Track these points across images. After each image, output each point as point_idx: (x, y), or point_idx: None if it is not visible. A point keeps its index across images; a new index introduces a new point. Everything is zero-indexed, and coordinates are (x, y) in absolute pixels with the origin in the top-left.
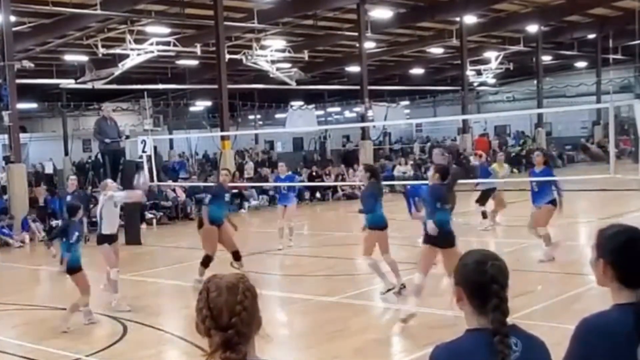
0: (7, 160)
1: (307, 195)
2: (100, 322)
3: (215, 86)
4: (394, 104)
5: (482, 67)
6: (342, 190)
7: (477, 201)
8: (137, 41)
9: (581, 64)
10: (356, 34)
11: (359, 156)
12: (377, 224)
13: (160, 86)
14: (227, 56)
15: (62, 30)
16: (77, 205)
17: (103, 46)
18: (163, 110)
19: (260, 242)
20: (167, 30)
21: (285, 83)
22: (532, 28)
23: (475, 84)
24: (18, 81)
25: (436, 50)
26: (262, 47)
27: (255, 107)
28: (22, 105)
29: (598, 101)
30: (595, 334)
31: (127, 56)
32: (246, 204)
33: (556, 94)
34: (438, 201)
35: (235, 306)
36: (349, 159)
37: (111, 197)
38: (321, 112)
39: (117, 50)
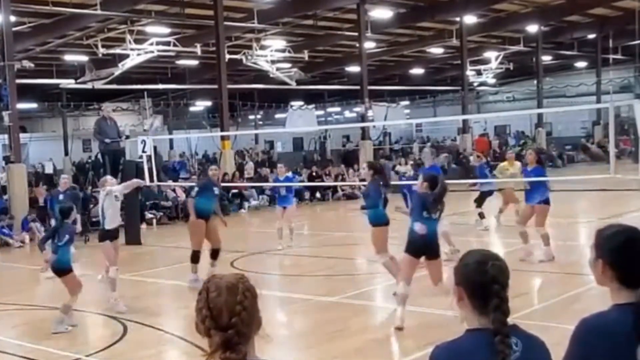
0: (7, 160)
1: (307, 195)
2: (100, 322)
3: (215, 86)
4: (394, 104)
5: (482, 67)
6: (342, 190)
7: (476, 202)
8: (137, 41)
9: (581, 64)
10: (356, 34)
11: (359, 156)
12: (379, 221)
13: (160, 86)
14: (227, 56)
15: (62, 30)
16: (69, 207)
17: (103, 46)
18: (163, 110)
19: (260, 242)
20: (167, 30)
21: (285, 83)
22: (532, 28)
23: (475, 84)
24: (18, 81)
25: (436, 50)
26: (262, 47)
27: (255, 107)
28: (22, 105)
29: (598, 101)
30: (594, 334)
31: (127, 56)
32: (246, 204)
33: (556, 94)
34: (424, 210)
35: (235, 306)
36: (349, 159)
37: (109, 192)
38: (321, 112)
39: (117, 50)
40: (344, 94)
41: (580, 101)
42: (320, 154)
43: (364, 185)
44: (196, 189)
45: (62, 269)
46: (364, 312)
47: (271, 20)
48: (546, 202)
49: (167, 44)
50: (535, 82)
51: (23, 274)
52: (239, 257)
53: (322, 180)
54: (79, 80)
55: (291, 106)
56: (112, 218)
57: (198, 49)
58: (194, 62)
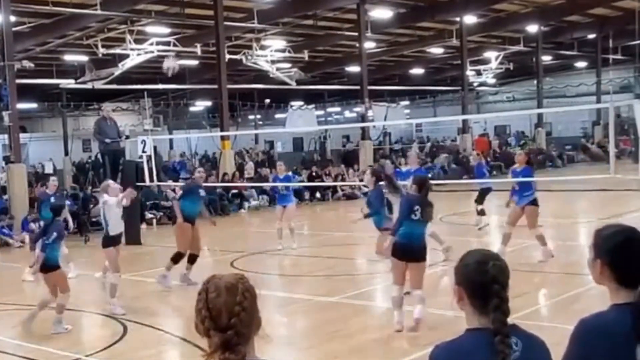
0: (7, 160)
1: (307, 195)
2: (100, 322)
3: (215, 86)
4: (394, 104)
5: (482, 67)
6: (342, 190)
7: (475, 201)
8: (137, 41)
9: (581, 64)
10: (356, 34)
11: (359, 156)
12: (385, 225)
13: (160, 86)
14: (227, 56)
15: (62, 30)
16: (61, 204)
17: (103, 46)
18: (163, 110)
19: (260, 242)
20: (167, 30)
21: (285, 83)
22: (532, 28)
23: (475, 84)
24: (18, 81)
25: (436, 50)
26: (262, 47)
27: (255, 107)
28: (22, 105)
29: (598, 101)
30: (594, 334)
31: (127, 56)
32: (246, 204)
33: (556, 94)
34: (412, 213)
35: (234, 307)
36: (349, 159)
37: (105, 202)
38: (321, 112)
39: (117, 50)
40: (344, 94)
41: (580, 101)
42: (320, 154)
43: (365, 186)
44: (181, 192)
45: (49, 267)
46: (364, 312)
47: (271, 20)
48: (534, 203)
49: (167, 44)
50: (535, 82)
51: (23, 274)
52: (239, 257)
53: (322, 181)
54: (79, 80)
55: (291, 106)
56: (115, 225)
57: (198, 49)
58: (194, 62)
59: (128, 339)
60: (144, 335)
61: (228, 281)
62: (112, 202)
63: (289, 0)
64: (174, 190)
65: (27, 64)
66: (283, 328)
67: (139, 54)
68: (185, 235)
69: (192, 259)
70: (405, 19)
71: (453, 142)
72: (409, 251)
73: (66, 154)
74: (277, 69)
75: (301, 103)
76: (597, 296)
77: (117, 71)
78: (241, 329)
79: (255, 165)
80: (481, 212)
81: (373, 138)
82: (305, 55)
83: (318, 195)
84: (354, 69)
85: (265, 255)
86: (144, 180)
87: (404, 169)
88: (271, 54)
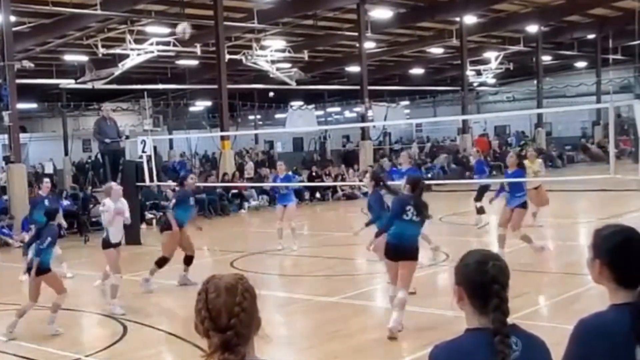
0: (7, 160)
1: (307, 195)
2: (100, 322)
3: (215, 86)
4: (394, 104)
5: (482, 67)
6: (342, 190)
7: (475, 199)
8: (137, 41)
9: (581, 64)
10: (356, 34)
11: (359, 156)
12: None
13: (160, 86)
14: (227, 56)
15: (62, 30)
16: (55, 208)
17: (103, 46)
18: (163, 110)
19: (260, 242)
20: (167, 30)
21: (285, 83)
22: (532, 28)
23: (475, 84)
24: (18, 81)
25: (436, 50)
26: (262, 47)
27: (255, 107)
28: (22, 105)
29: (598, 101)
30: (594, 334)
31: (127, 56)
32: (246, 204)
33: (556, 94)
34: (404, 213)
35: (234, 307)
36: (349, 159)
37: (104, 205)
38: (321, 112)
39: (117, 50)
40: (344, 94)
41: (580, 101)
42: (320, 154)
43: (365, 186)
44: (174, 200)
45: (43, 270)
46: (364, 312)
47: (271, 20)
48: (523, 205)
49: (167, 44)
50: (535, 82)
51: (20, 275)
52: (239, 257)
53: (322, 181)
54: (79, 80)
55: (291, 106)
56: (115, 233)
57: (198, 49)
58: (194, 62)
59: (128, 339)
60: (144, 335)
61: (228, 281)
62: (112, 207)
63: (289, 0)
64: (173, 190)
65: (27, 64)
66: (283, 328)
67: (139, 54)
68: (173, 242)
69: (189, 260)
70: (405, 19)
71: (452, 142)
72: (400, 251)
73: (66, 154)
74: (277, 69)
75: (301, 103)
76: (597, 296)
77: (117, 71)
78: (241, 330)
79: (255, 165)
80: (480, 210)
81: (373, 138)
82: (305, 55)
83: (318, 195)
84: (354, 69)
85: (265, 255)
86: (144, 180)
87: (401, 168)
88: (271, 54)
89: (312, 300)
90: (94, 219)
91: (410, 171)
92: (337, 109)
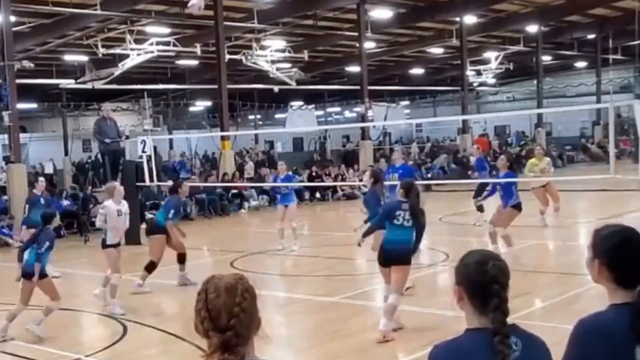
0: (7, 160)
1: (307, 195)
2: (100, 322)
3: (215, 86)
4: (394, 104)
5: (482, 67)
6: (342, 190)
7: (474, 197)
8: (137, 41)
9: (581, 64)
10: (356, 34)
11: (359, 156)
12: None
13: (160, 86)
14: (227, 56)
15: (62, 30)
16: (52, 212)
17: (103, 46)
18: (163, 110)
19: (260, 242)
20: (167, 30)
21: (285, 83)
22: (532, 28)
23: (475, 84)
24: (18, 81)
25: (436, 50)
26: (262, 47)
27: (255, 107)
28: (22, 105)
29: (598, 101)
30: (594, 334)
31: (127, 56)
32: (246, 204)
33: (556, 94)
34: (394, 218)
35: (234, 308)
36: (349, 159)
37: (104, 207)
38: (321, 112)
39: (117, 50)
40: (344, 94)
41: (580, 101)
42: (320, 154)
43: (364, 186)
44: (172, 211)
45: (40, 275)
46: (364, 312)
47: (271, 20)
48: (516, 207)
49: (167, 44)
50: (535, 82)
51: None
52: (239, 257)
53: (322, 181)
54: (79, 80)
55: (291, 106)
56: (113, 237)
57: (198, 49)
58: (194, 62)
59: (128, 339)
60: (144, 335)
61: (227, 282)
62: (112, 209)
63: (289, 0)
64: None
65: (27, 64)
66: (283, 328)
67: (139, 54)
68: (161, 246)
69: (182, 259)
70: (405, 19)
71: (452, 142)
72: (392, 256)
73: (66, 154)
74: (277, 69)
75: (301, 103)
76: (597, 296)
77: (117, 71)
78: (240, 330)
79: (255, 166)
80: (480, 208)
81: (373, 138)
82: (305, 55)
83: (318, 195)
84: (354, 69)
85: (265, 255)
86: (144, 180)
87: (395, 164)
88: (271, 54)
89: (312, 300)
90: (94, 219)
91: (404, 168)
92: (337, 109)
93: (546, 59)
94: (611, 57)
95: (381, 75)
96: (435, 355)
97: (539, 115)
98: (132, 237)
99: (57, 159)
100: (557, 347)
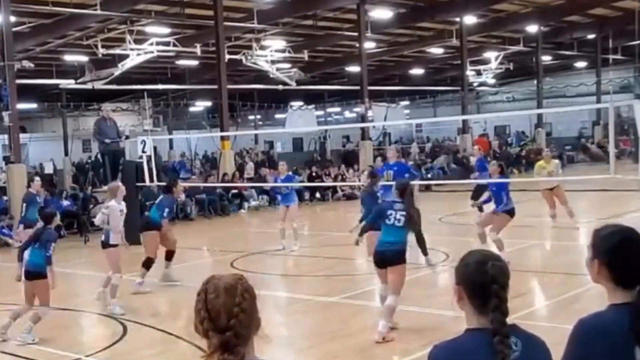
0: (7, 160)
1: (307, 195)
2: (100, 322)
3: (215, 86)
4: (394, 104)
5: (482, 67)
6: (342, 190)
7: (472, 197)
8: (137, 41)
9: (581, 64)
10: (356, 34)
11: (359, 156)
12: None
13: (160, 86)
14: (227, 56)
15: (62, 30)
16: (53, 212)
17: (103, 46)
18: (163, 110)
19: (260, 242)
20: (167, 30)
21: (285, 83)
22: (532, 28)
23: (475, 84)
24: (18, 81)
25: (436, 51)
26: (262, 47)
27: (255, 107)
28: (22, 106)
29: (598, 101)
30: (593, 334)
31: (127, 56)
32: (246, 204)
33: (556, 94)
34: (386, 217)
35: (233, 308)
36: (349, 159)
37: (108, 208)
38: (321, 112)
39: (117, 51)
40: (344, 94)
41: (580, 101)
42: (320, 155)
43: (364, 185)
44: (167, 210)
45: (41, 273)
46: (364, 312)
47: (271, 21)
48: (509, 212)
49: (167, 44)
50: (535, 82)
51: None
52: (239, 257)
53: (322, 181)
54: (79, 81)
55: (291, 106)
56: (116, 237)
57: (198, 49)
58: (194, 62)
59: (128, 339)
60: (144, 335)
61: (227, 282)
62: (115, 209)
63: (289, 0)
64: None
65: (27, 64)
66: (283, 328)
67: (138, 54)
68: (155, 242)
69: (170, 256)
70: (405, 19)
71: (452, 142)
72: (386, 258)
73: (66, 154)
74: (277, 69)
75: (301, 103)
76: (597, 296)
77: (117, 71)
78: (240, 330)
79: (255, 166)
80: (480, 209)
81: (373, 138)
82: (305, 55)
83: (318, 195)
84: (354, 69)
85: (265, 255)
86: (143, 181)
87: (390, 162)
88: (271, 54)
89: (312, 300)
90: (93, 219)
91: (398, 165)
92: (337, 109)
93: (546, 59)
94: (611, 57)
95: (381, 76)
96: (435, 355)
97: (539, 116)
98: (132, 237)
99: (57, 159)
100: (557, 347)
